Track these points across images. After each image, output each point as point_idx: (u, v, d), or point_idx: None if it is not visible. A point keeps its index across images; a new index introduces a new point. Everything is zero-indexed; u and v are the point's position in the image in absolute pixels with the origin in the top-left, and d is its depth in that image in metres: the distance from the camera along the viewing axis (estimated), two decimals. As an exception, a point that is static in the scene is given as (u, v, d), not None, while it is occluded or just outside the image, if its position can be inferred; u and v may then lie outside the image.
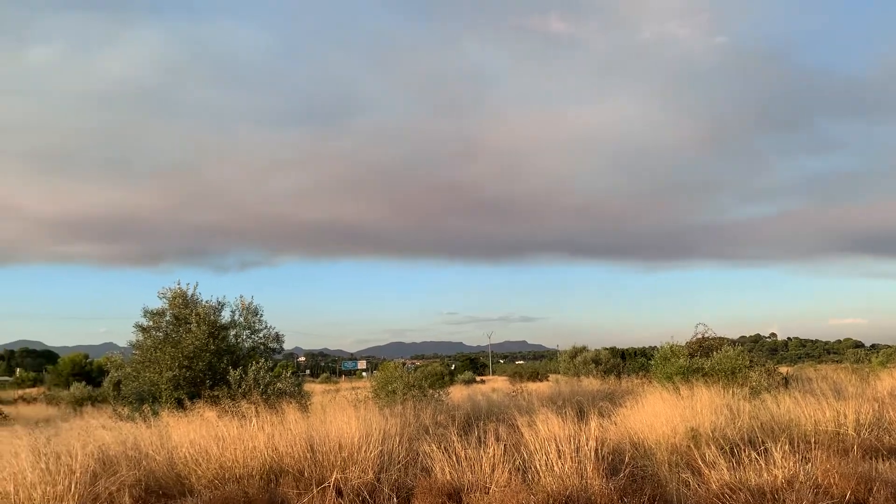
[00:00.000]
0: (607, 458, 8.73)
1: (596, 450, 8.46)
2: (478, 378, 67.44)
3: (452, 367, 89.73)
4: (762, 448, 8.54)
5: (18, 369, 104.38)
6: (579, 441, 8.67)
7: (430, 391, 19.45)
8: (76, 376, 59.55)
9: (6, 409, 26.92)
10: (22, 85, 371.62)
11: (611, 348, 44.77)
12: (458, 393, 25.70)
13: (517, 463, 8.50)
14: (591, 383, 26.47)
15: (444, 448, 8.75)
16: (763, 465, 8.08)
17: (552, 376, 45.65)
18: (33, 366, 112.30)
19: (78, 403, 30.88)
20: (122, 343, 17.40)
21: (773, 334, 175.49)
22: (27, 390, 53.60)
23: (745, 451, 8.49)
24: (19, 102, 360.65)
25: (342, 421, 9.97)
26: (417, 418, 13.49)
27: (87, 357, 75.97)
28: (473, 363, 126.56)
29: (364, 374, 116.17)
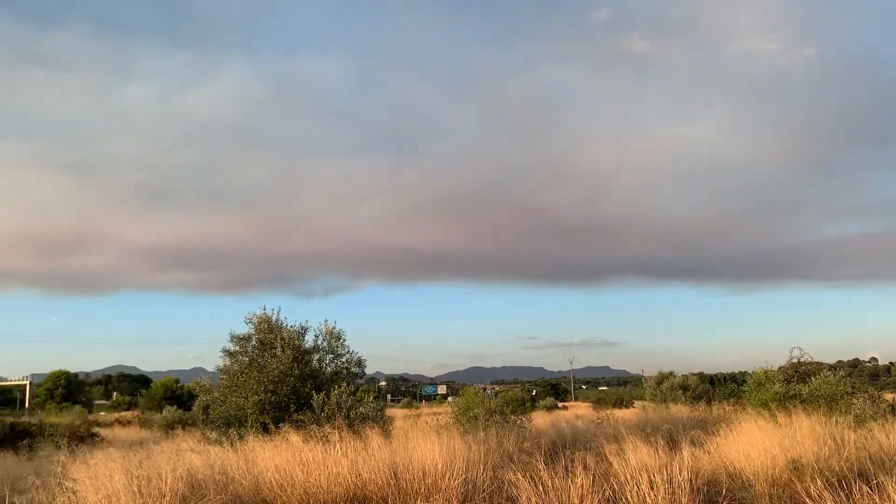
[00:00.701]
0: (702, 490, 8.30)
1: (690, 480, 8.05)
2: (560, 404, 66.32)
3: (534, 393, 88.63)
4: (874, 482, 7.93)
5: (115, 393, 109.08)
6: (672, 471, 8.28)
7: (512, 417, 19.13)
8: (168, 400, 61.79)
9: (103, 432, 28.00)
10: (122, 122, 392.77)
11: (699, 374, 43.25)
12: (540, 419, 25.24)
13: (606, 494, 8.17)
14: (679, 410, 25.56)
15: (530, 477, 8.49)
16: (877, 500, 7.49)
17: (638, 403, 44.41)
18: (129, 390, 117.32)
19: (169, 426, 31.90)
20: (211, 368, 17.85)
21: (874, 359, 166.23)
22: (123, 413, 55.87)
23: (854, 485, 7.90)
24: (119, 139, 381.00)
25: (425, 447, 9.84)
26: (500, 445, 13.23)
27: (177, 381, 78.74)
28: (555, 389, 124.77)
29: (446, 399, 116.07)
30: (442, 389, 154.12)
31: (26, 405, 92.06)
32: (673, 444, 11.10)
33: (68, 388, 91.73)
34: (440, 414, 33.06)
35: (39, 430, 23.04)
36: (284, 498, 9.18)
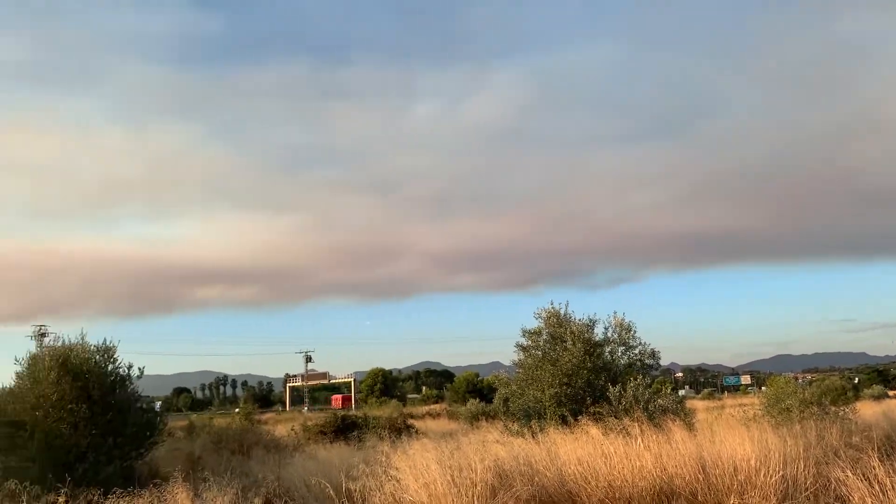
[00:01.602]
0: None
1: None
2: (890, 393, 58.40)
3: (855, 381, 79.31)
4: None
5: (424, 387, 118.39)
6: None
7: (833, 408, 17.23)
8: (470, 393, 65.58)
9: (417, 424, 30.49)
10: (411, 139, 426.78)
11: None
12: (867, 410, 22.44)
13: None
14: None
15: (862, 475, 7.52)
16: None
17: None
18: (435, 384, 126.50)
19: (474, 418, 33.72)
20: (506, 362, 18.54)
21: None
22: (432, 406, 60.38)
23: None
24: (410, 155, 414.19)
25: (734, 441, 9.22)
26: (821, 439, 11.94)
27: (477, 375, 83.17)
28: (882, 375, 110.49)
29: (749, 389, 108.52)
30: (745, 379, 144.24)
31: (352, 400, 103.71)
32: None
33: (385, 384, 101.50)
34: (746, 405, 30.90)
35: (364, 422, 25.74)
36: (589, 490, 9.17)
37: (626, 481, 9.02)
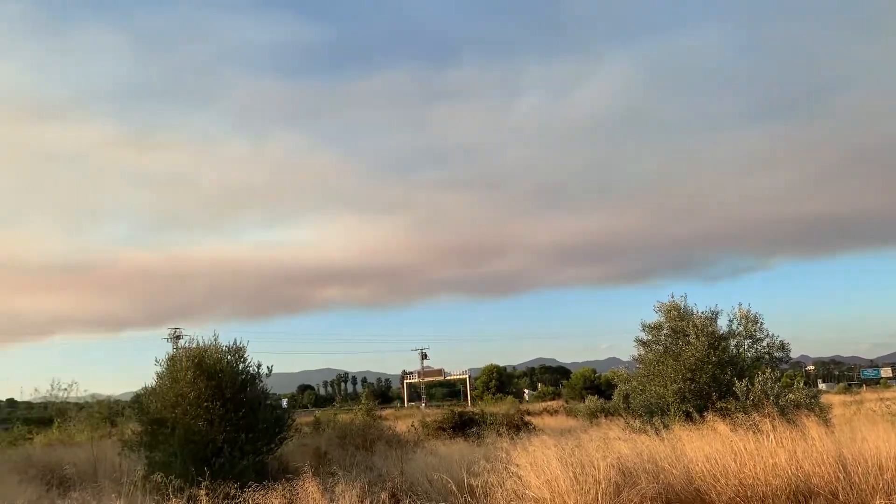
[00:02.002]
0: None
1: None
2: None
3: None
4: None
5: (539, 384, 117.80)
6: None
7: None
8: (587, 389, 64.72)
9: (534, 420, 30.35)
10: (515, 135, 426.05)
11: None
12: None
13: None
14: None
15: None
16: None
17: None
18: (551, 381, 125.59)
19: (592, 415, 33.21)
20: (625, 357, 18.16)
21: None
22: (549, 403, 59.94)
23: None
24: (515, 150, 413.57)
25: (877, 438, 8.65)
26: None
27: (594, 371, 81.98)
28: None
29: (890, 382, 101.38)
30: (886, 372, 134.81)
31: (468, 396, 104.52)
32: None
33: (500, 381, 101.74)
34: (888, 400, 28.92)
35: (482, 418, 25.87)
36: (718, 489, 8.85)
37: (759, 479, 8.64)
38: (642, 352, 16.50)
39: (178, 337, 76.06)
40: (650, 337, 16.41)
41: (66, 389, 25.61)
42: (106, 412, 27.55)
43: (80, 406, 27.31)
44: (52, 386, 25.48)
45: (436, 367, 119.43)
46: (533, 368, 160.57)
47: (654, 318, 16.58)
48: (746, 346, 16.11)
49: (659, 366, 15.56)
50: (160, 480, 9.25)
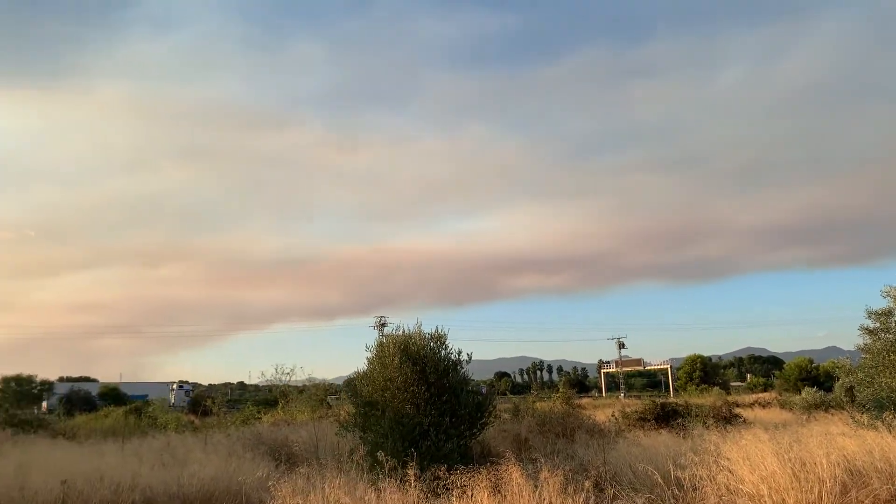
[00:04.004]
0: None
1: None
2: None
3: None
4: None
5: (748, 375, 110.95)
6: None
7: None
8: (803, 381, 59.95)
9: (744, 413, 28.64)
10: (714, 110, 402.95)
11: None
12: None
13: None
14: None
15: None
16: None
17: None
18: (761, 371, 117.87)
19: (810, 408, 30.77)
20: (846, 346, 16.64)
21: None
22: (760, 395, 56.27)
23: None
24: (713, 126, 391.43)
25: None
26: None
27: (811, 362, 75.76)
28: None
29: None
30: None
31: (670, 387, 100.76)
32: None
33: (704, 371, 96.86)
34: None
35: (686, 410, 24.85)
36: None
37: None
38: (868, 341, 15.00)
39: (383, 325, 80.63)
40: (878, 324, 14.87)
41: (287, 374, 28.11)
42: (323, 395, 29.80)
43: (300, 389, 29.70)
44: (275, 370, 28.06)
45: (634, 356, 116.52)
46: (741, 358, 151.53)
47: (881, 303, 15.02)
48: None
49: (890, 356, 14.07)
50: (380, 459, 9.82)
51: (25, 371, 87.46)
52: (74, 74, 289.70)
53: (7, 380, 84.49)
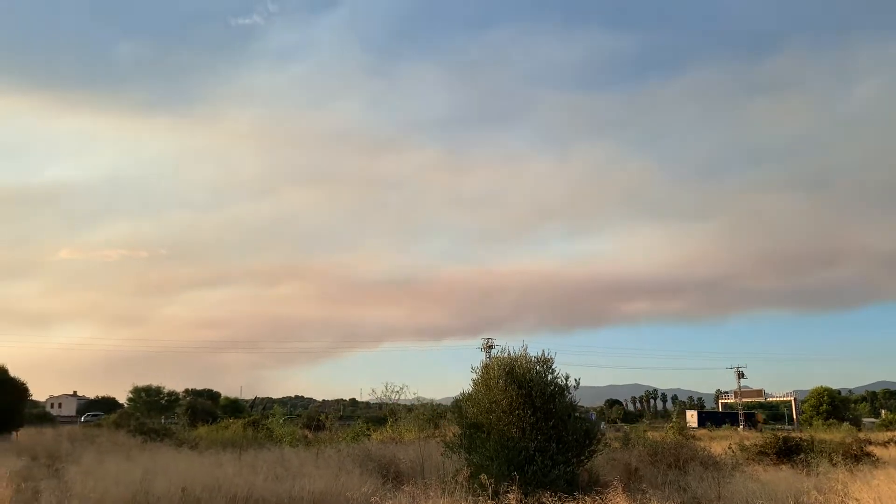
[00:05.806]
0: None
1: None
2: None
3: None
4: None
5: (883, 411, 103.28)
6: None
7: None
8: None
9: (877, 451, 26.63)
10: (846, 129, 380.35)
11: None
12: None
13: None
14: None
15: None
16: None
17: None
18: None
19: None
20: None
21: None
22: (894, 432, 52.22)
23: None
24: (849, 138, 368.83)
25: None
26: None
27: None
28: None
29: None
30: None
31: (794, 420, 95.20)
32: None
33: (832, 405, 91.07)
34: None
35: (810, 445, 23.37)
36: None
37: None
38: None
39: (490, 347, 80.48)
40: None
41: (397, 392, 28.59)
42: (430, 414, 30.05)
43: (409, 408, 30.08)
44: (385, 388, 28.61)
45: (754, 386, 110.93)
46: (874, 392, 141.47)
47: None
48: None
49: None
50: (484, 482, 9.79)
51: (154, 382, 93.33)
52: (206, 103, 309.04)
53: (138, 390, 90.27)
